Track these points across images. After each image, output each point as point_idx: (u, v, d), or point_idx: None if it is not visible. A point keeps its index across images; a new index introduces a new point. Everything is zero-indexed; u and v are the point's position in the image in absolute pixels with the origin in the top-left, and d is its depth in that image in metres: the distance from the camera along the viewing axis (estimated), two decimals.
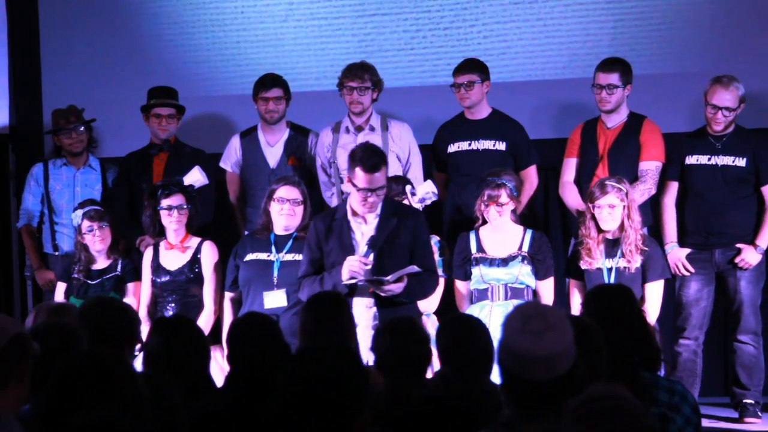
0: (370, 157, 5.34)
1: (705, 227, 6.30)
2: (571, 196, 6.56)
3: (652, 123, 6.50)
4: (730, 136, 6.29)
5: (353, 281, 5.31)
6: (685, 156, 6.36)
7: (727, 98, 6.22)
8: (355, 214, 5.44)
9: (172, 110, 6.98)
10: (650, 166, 6.42)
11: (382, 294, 5.30)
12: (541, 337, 2.84)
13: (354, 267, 5.29)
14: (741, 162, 6.27)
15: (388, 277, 5.28)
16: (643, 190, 6.36)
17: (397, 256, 5.37)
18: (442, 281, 6.13)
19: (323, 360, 3.01)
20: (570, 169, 6.60)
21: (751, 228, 6.29)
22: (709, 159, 6.30)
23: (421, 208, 6.08)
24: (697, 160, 6.33)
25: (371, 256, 5.35)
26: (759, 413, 6.21)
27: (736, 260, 6.26)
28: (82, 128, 7.03)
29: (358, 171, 5.32)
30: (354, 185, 5.35)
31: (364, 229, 5.43)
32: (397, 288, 5.31)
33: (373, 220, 5.43)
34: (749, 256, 6.24)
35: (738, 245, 6.26)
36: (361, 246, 5.39)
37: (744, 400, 6.23)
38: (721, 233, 6.28)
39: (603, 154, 6.48)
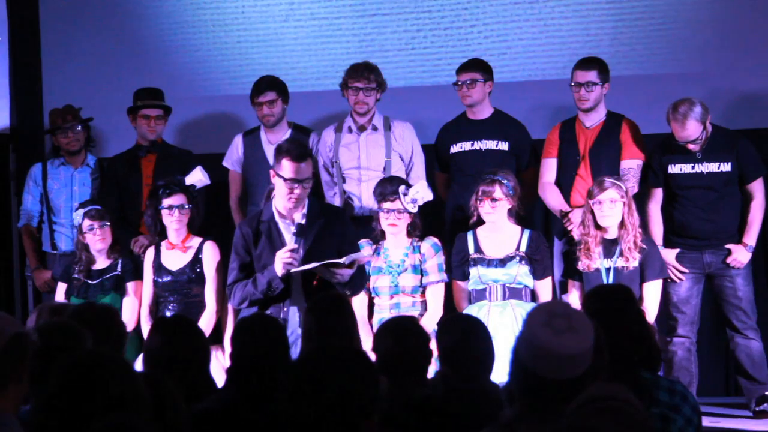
0: (296, 148, 5.37)
1: (694, 231, 6.31)
2: (553, 197, 6.56)
3: (631, 121, 6.52)
4: (709, 141, 6.25)
5: (294, 270, 5.28)
6: (667, 165, 6.34)
7: (689, 134, 6.17)
8: (282, 216, 5.43)
9: (159, 111, 7.00)
10: (632, 165, 6.43)
11: (333, 280, 5.30)
12: (562, 336, 2.87)
13: (286, 258, 5.27)
14: (726, 167, 6.26)
15: (343, 260, 5.27)
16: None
17: (327, 254, 5.34)
18: (442, 286, 6.13)
19: (336, 361, 3.01)
20: (550, 169, 6.59)
21: (737, 226, 6.30)
22: (693, 167, 6.29)
23: (414, 209, 6.07)
24: (681, 170, 6.31)
25: (300, 244, 5.34)
26: None
27: (728, 260, 6.27)
28: (79, 127, 7.04)
29: (285, 162, 5.32)
30: (280, 177, 5.33)
31: (292, 229, 5.42)
32: (347, 273, 5.32)
33: (300, 219, 5.41)
34: (740, 256, 6.26)
35: (728, 246, 6.27)
36: (287, 237, 5.39)
37: (766, 393, 6.24)
38: (709, 237, 6.29)
39: (584, 154, 6.49)
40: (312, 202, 5.50)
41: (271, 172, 5.47)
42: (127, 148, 7.09)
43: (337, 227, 5.49)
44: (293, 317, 5.37)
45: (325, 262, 5.26)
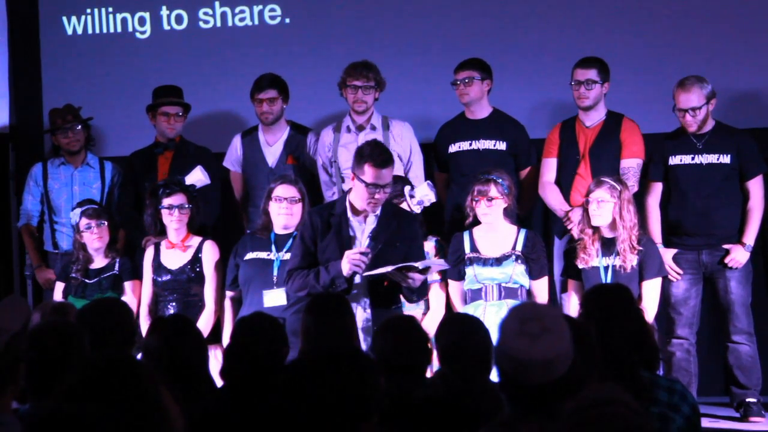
0: (380, 154, 5.34)
1: (691, 228, 6.30)
2: (553, 196, 6.56)
3: (631, 121, 6.52)
4: (710, 134, 6.28)
5: (356, 274, 5.27)
6: (668, 157, 6.36)
7: (691, 99, 6.19)
8: (355, 212, 5.42)
9: (179, 108, 7.00)
10: (631, 164, 6.44)
11: (404, 284, 5.28)
12: (538, 341, 2.80)
13: (356, 259, 5.24)
14: (726, 159, 6.27)
15: (419, 264, 5.26)
16: None
17: (394, 259, 5.32)
18: (444, 285, 6.12)
19: (336, 361, 3.00)
20: (550, 169, 6.59)
21: (736, 225, 6.28)
22: (693, 158, 6.30)
23: (419, 210, 6.07)
24: (681, 160, 6.33)
25: (372, 247, 5.32)
26: (762, 412, 6.21)
27: (726, 260, 6.25)
28: (79, 127, 7.05)
29: (367, 167, 5.29)
30: (362, 181, 5.31)
31: (363, 228, 5.40)
32: (419, 278, 5.31)
33: (372, 220, 5.41)
34: (738, 255, 6.24)
35: (725, 246, 6.26)
36: (363, 240, 5.37)
37: (746, 399, 6.22)
38: (707, 234, 6.28)
39: (584, 153, 6.49)
40: (386, 204, 5.46)
41: (351, 173, 5.43)
42: (132, 148, 7.10)
43: (408, 232, 5.46)
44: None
45: (401, 265, 5.23)
